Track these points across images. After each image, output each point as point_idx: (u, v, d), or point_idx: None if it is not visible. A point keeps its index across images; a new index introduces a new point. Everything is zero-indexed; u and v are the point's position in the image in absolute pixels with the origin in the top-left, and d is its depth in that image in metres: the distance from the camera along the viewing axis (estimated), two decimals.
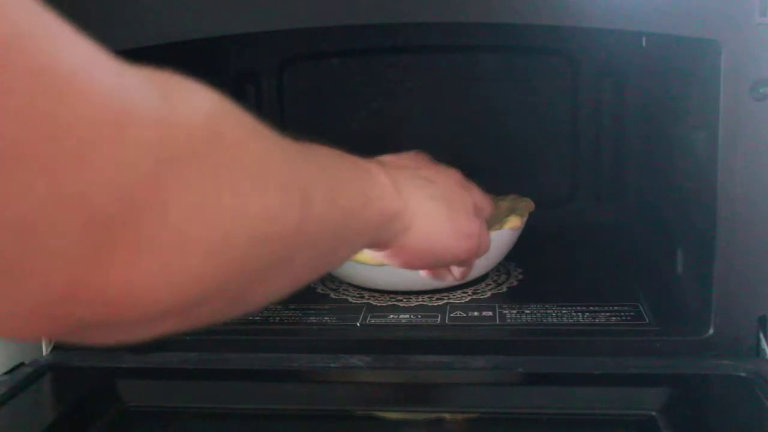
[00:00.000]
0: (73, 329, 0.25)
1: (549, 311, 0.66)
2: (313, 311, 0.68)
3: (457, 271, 0.57)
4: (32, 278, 0.22)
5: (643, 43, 0.76)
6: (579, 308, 0.66)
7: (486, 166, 0.91)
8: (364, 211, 0.42)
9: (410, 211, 0.47)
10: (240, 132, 0.30)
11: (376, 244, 0.48)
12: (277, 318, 0.66)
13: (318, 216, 0.35)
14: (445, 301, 0.70)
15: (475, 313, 0.66)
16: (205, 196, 0.26)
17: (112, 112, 0.23)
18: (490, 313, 0.66)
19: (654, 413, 0.51)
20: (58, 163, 0.22)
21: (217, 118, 0.28)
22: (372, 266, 0.68)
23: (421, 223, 0.48)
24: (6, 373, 0.59)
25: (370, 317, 0.67)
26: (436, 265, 0.55)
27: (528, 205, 0.75)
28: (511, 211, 0.73)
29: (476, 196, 0.55)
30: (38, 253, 0.22)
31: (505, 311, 0.67)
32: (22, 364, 0.60)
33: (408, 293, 0.71)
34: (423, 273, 0.56)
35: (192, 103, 0.27)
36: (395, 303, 0.70)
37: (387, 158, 0.52)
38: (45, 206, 0.22)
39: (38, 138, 0.21)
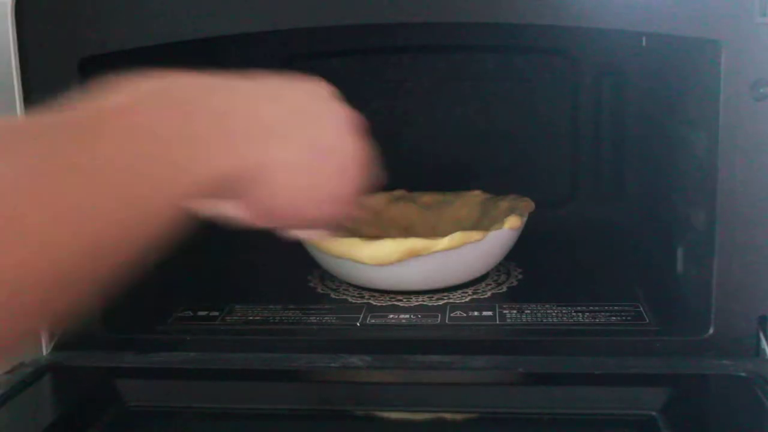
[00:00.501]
0: None
1: (549, 311, 0.66)
2: (313, 311, 0.68)
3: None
4: None
5: (644, 43, 0.76)
6: (579, 308, 0.66)
7: (486, 166, 0.91)
8: (167, 190, 0.35)
9: (257, 163, 0.39)
10: None
11: (221, 197, 0.40)
12: (277, 318, 0.66)
13: (97, 233, 0.31)
14: (445, 301, 0.70)
15: (475, 313, 0.66)
16: None
17: None
18: (490, 313, 0.66)
19: (654, 413, 0.51)
20: None
21: None
22: (372, 266, 0.68)
23: (276, 174, 0.40)
24: (6, 373, 0.59)
25: (370, 317, 0.67)
26: (305, 220, 0.46)
27: (528, 205, 0.75)
28: (511, 211, 0.73)
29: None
30: None
31: (505, 311, 0.67)
32: (22, 364, 0.60)
33: (408, 293, 0.71)
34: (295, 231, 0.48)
35: None
36: (395, 303, 0.70)
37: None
38: None
39: None
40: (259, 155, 0.39)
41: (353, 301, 0.70)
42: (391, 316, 0.67)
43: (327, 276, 0.76)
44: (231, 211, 0.43)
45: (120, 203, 0.33)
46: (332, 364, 0.58)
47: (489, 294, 0.71)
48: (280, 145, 0.40)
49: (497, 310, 0.67)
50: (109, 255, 0.33)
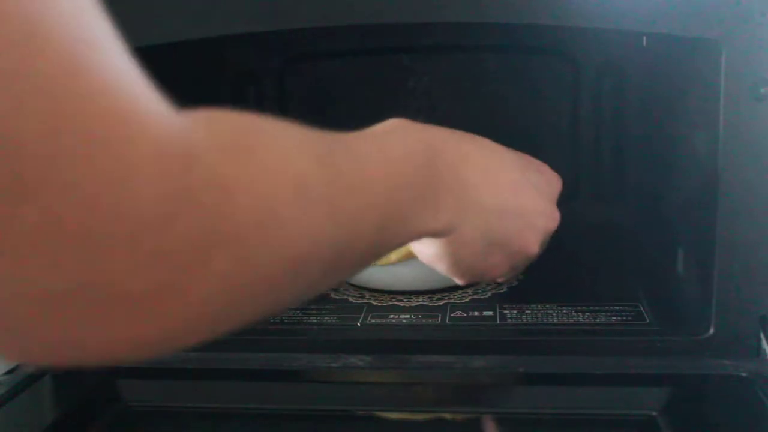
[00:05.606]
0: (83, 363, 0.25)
1: (549, 311, 0.66)
2: (313, 311, 0.68)
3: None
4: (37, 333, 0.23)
5: (644, 43, 0.76)
6: (579, 308, 0.66)
7: None
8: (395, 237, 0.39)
9: (450, 231, 0.44)
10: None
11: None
12: (277, 318, 0.66)
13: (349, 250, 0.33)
14: (446, 301, 0.70)
15: (476, 313, 0.66)
16: (240, 278, 0.26)
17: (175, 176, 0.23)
18: (491, 313, 0.66)
19: (654, 413, 0.51)
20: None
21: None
22: (372, 266, 0.68)
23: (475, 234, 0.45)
24: (6, 373, 0.59)
25: (371, 317, 0.67)
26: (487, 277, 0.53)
27: None
28: None
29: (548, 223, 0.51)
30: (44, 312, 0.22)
31: (505, 311, 0.66)
32: (22, 364, 0.60)
33: (408, 293, 0.71)
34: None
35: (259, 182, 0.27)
36: (395, 303, 0.70)
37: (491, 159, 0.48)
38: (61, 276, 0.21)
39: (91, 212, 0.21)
40: (466, 219, 0.44)
41: (353, 301, 0.70)
42: (392, 316, 0.67)
43: None
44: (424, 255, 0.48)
45: (362, 227, 0.35)
46: (332, 364, 0.58)
47: (489, 294, 0.71)
48: (471, 228, 0.45)
49: (497, 310, 0.67)
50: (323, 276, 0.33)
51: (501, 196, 0.47)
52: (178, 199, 0.23)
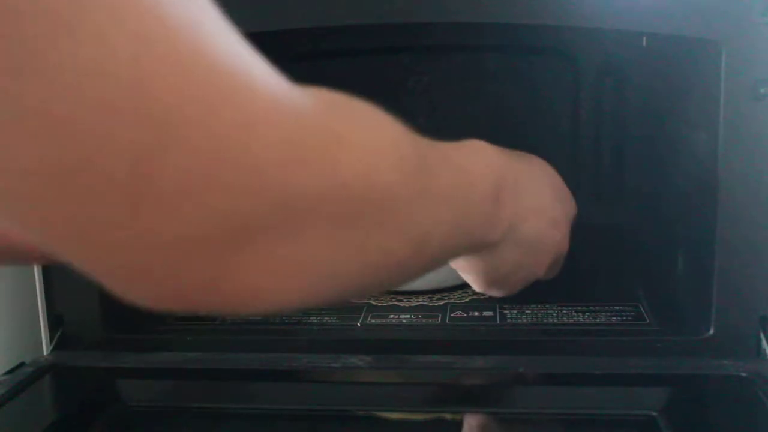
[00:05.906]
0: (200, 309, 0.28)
1: (549, 311, 0.66)
2: (313, 311, 0.68)
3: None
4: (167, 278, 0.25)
5: (644, 43, 0.76)
6: (579, 308, 0.66)
7: None
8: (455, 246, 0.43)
9: (488, 252, 0.48)
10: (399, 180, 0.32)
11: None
12: (277, 318, 0.66)
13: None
14: (446, 301, 0.70)
15: (476, 313, 0.66)
16: (340, 240, 0.28)
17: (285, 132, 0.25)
18: (491, 313, 0.66)
19: (654, 413, 0.51)
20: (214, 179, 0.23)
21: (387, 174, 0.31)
22: None
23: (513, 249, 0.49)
24: (6, 373, 0.59)
25: (371, 317, 0.67)
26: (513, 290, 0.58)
27: None
28: None
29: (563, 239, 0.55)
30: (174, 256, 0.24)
31: (505, 311, 0.66)
32: (22, 364, 0.60)
33: (408, 293, 0.71)
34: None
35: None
36: (395, 303, 0.70)
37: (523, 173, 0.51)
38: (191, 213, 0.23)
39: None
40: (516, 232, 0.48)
41: (353, 301, 0.70)
42: (392, 316, 0.67)
43: None
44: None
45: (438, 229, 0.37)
46: (332, 364, 0.58)
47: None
48: (536, 223, 0.50)
49: (497, 310, 0.67)
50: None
51: (534, 231, 0.50)
52: (295, 145, 0.25)
